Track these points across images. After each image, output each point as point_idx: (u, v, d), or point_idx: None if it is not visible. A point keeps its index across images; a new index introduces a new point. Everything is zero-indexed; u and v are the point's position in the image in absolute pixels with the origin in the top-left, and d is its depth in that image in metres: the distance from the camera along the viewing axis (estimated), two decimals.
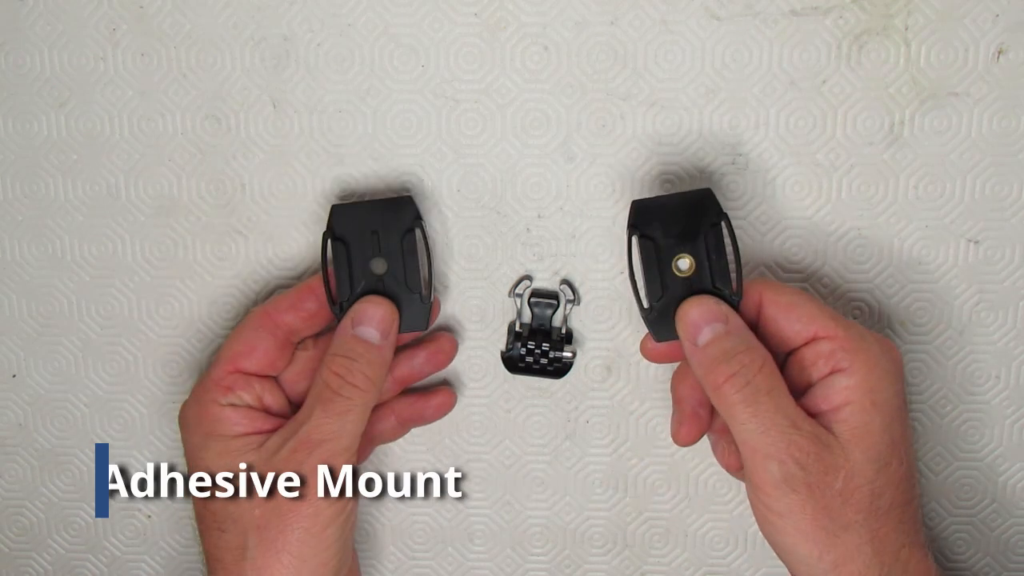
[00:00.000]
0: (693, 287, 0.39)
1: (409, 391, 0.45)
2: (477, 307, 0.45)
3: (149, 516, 0.48)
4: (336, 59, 0.43)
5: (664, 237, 0.39)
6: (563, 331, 0.44)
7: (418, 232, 0.41)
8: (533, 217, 0.44)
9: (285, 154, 0.44)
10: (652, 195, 0.42)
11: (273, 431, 0.40)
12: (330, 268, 0.41)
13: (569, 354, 0.44)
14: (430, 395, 0.45)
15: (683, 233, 0.39)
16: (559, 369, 0.44)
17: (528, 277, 0.44)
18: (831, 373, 0.37)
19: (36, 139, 0.44)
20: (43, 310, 0.46)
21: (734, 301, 0.38)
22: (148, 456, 0.47)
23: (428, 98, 0.43)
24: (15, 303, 0.46)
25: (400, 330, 0.41)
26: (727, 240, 0.39)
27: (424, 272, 0.42)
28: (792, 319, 0.38)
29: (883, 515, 0.36)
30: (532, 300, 0.44)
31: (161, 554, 0.49)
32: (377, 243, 0.41)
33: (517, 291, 0.44)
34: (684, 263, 0.39)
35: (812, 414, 0.37)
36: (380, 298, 0.40)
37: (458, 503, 0.47)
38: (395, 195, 0.43)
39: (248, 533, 0.38)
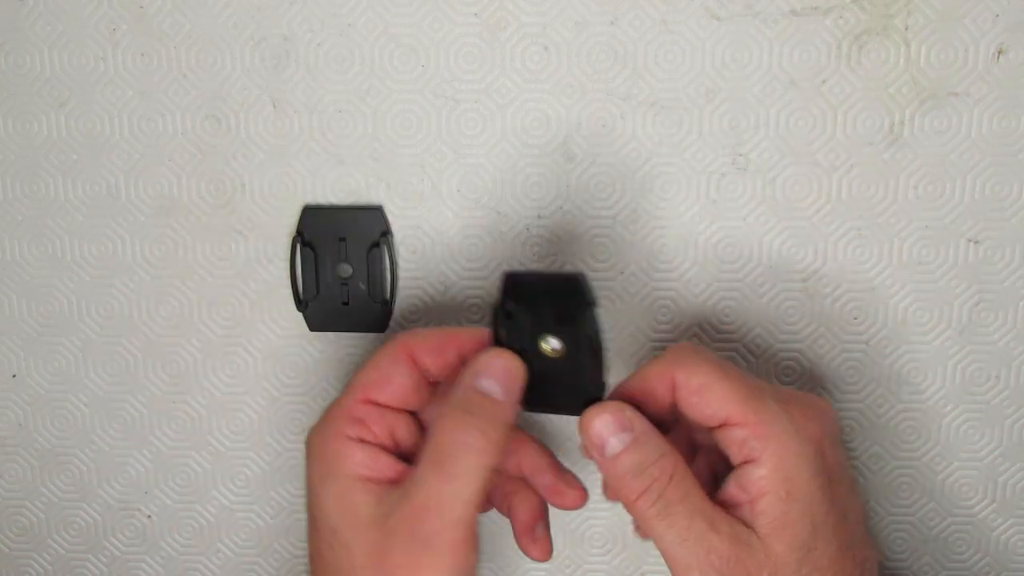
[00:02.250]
0: (563, 372, 0.37)
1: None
2: (477, 307, 0.45)
3: (149, 516, 0.48)
4: (336, 59, 0.43)
5: (532, 314, 0.37)
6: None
7: (384, 246, 0.43)
8: (533, 217, 0.44)
9: (285, 154, 0.44)
10: (525, 269, 0.42)
11: (395, 480, 0.37)
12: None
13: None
14: (565, 487, 0.41)
15: (554, 313, 0.37)
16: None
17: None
18: (744, 463, 0.36)
19: (36, 139, 0.44)
20: (43, 310, 0.46)
21: (602, 394, 0.37)
22: (148, 456, 0.47)
23: (428, 98, 0.43)
24: (15, 303, 0.46)
25: (358, 329, 0.41)
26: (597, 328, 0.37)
27: (388, 280, 0.44)
28: (703, 405, 0.36)
29: None
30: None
31: (161, 554, 0.49)
32: (344, 249, 0.43)
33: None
34: (554, 343, 0.37)
35: (733, 504, 0.36)
36: (505, 351, 0.37)
37: None
38: (365, 204, 0.44)
39: None
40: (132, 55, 0.43)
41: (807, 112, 0.42)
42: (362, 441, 0.37)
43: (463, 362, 0.38)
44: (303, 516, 0.48)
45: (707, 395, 0.35)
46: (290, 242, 0.44)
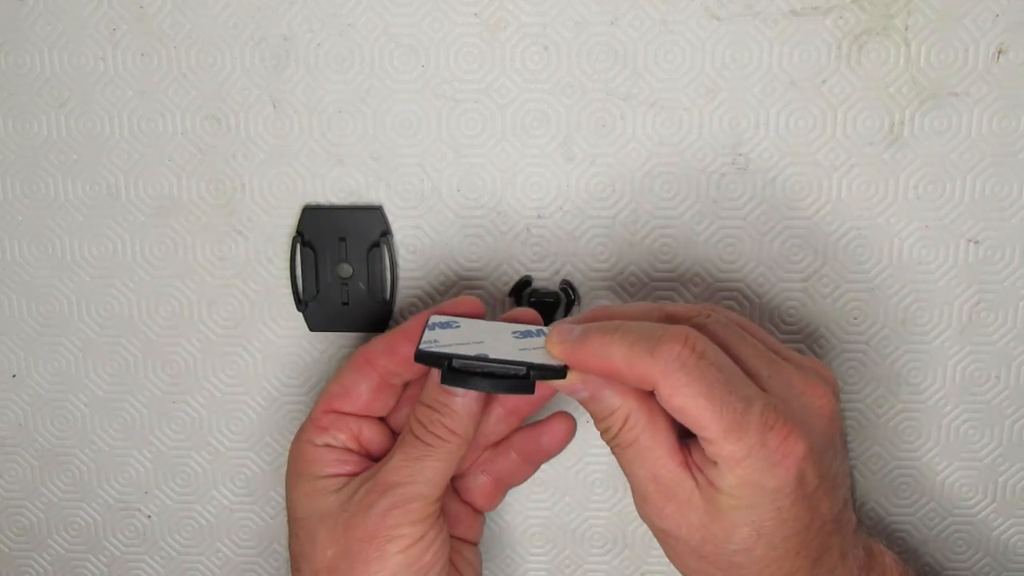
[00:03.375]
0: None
1: (525, 424, 0.43)
2: None
3: (149, 516, 0.48)
4: (336, 59, 0.43)
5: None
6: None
7: (384, 246, 0.43)
8: (533, 217, 0.44)
9: (285, 154, 0.44)
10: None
11: (362, 473, 0.39)
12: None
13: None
14: (545, 422, 0.42)
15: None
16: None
17: (528, 277, 0.44)
18: (713, 463, 0.36)
19: (36, 139, 0.44)
20: (43, 310, 0.46)
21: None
22: (148, 456, 0.47)
23: (428, 98, 0.43)
24: (15, 303, 0.46)
25: (358, 329, 0.41)
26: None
27: (388, 281, 0.44)
28: (679, 417, 0.35)
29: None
30: (532, 300, 0.44)
31: (161, 554, 0.49)
32: (344, 249, 0.43)
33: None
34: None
35: (699, 467, 0.36)
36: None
37: None
38: (365, 205, 0.44)
39: (319, 574, 0.38)
40: (132, 55, 0.43)
41: (807, 112, 0.42)
42: (328, 446, 0.40)
43: None
44: None
45: (685, 415, 0.35)
46: (290, 242, 0.44)
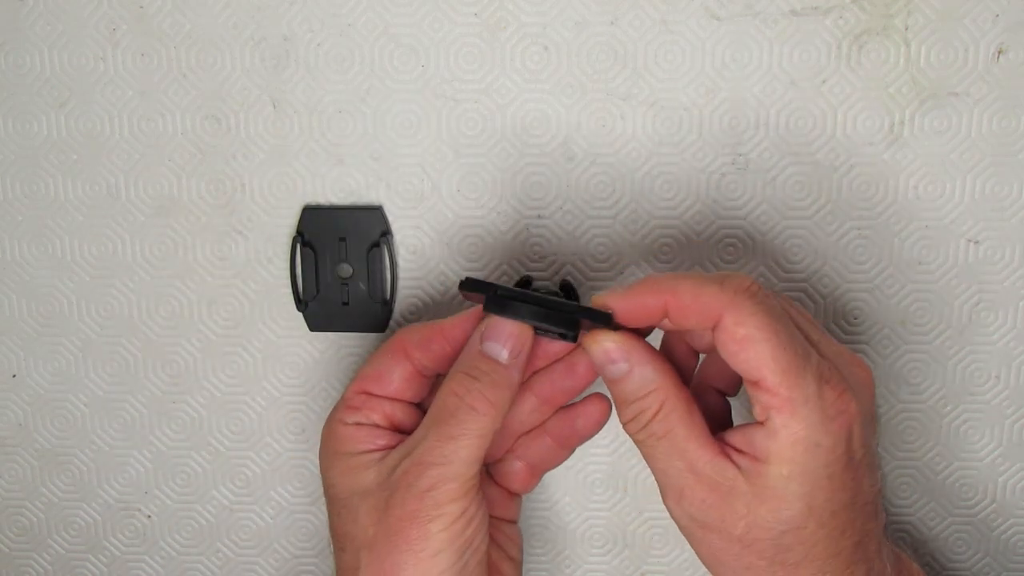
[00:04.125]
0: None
1: (561, 408, 0.42)
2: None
3: (149, 516, 0.48)
4: (336, 59, 0.43)
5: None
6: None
7: (384, 246, 0.43)
8: (533, 217, 0.44)
9: (285, 154, 0.44)
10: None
11: (396, 446, 0.39)
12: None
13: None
14: (580, 405, 0.41)
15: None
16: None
17: (528, 277, 0.44)
18: (762, 423, 0.35)
19: (36, 139, 0.44)
20: (43, 310, 0.46)
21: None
22: (148, 456, 0.47)
23: (428, 98, 0.43)
24: (15, 303, 0.46)
25: (358, 329, 0.41)
26: None
27: (388, 281, 0.44)
28: (741, 358, 0.35)
29: (791, 567, 0.35)
30: None
31: (161, 554, 0.49)
32: (344, 249, 0.43)
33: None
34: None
35: (740, 450, 0.36)
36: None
37: None
38: (365, 205, 0.44)
39: (361, 552, 0.37)
40: (132, 55, 0.43)
41: (807, 112, 0.42)
42: (359, 424, 0.39)
43: (454, 351, 0.39)
44: (303, 516, 0.48)
45: (748, 351, 0.34)
46: (290, 242, 0.44)
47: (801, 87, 0.42)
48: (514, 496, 0.43)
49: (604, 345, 0.36)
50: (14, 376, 0.47)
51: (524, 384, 0.40)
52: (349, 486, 0.38)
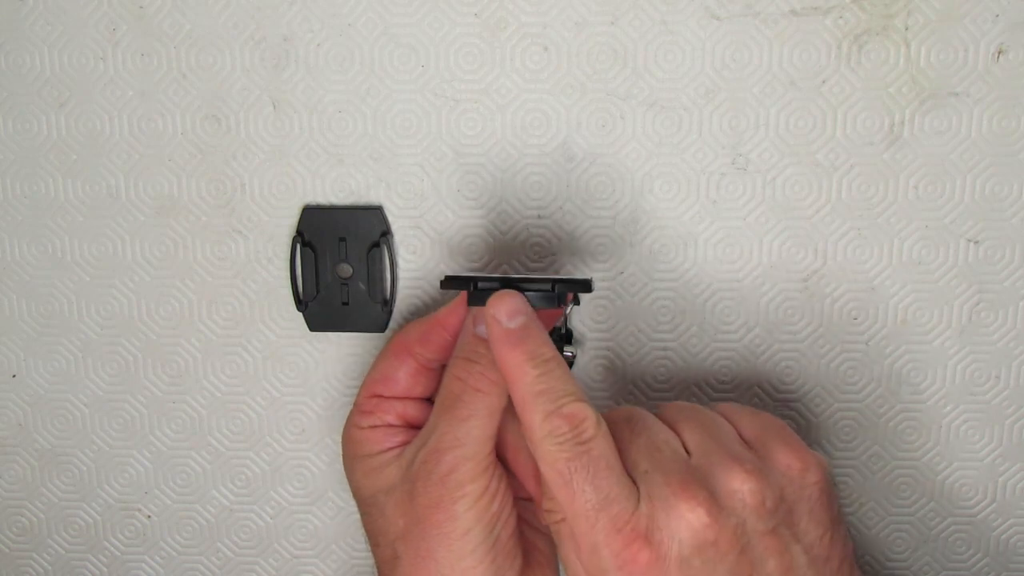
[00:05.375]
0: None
1: None
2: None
3: (149, 516, 0.48)
4: (336, 59, 0.43)
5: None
6: (563, 331, 0.44)
7: (384, 246, 0.43)
8: (533, 217, 0.44)
9: (285, 154, 0.44)
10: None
11: (411, 441, 0.40)
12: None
13: (569, 354, 0.44)
14: None
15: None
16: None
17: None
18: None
19: (36, 139, 0.44)
20: (43, 310, 0.46)
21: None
22: (148, 456, 0.47)
23: (428, 98, 0.43)
24: (15, 303, 0.46)
25: (358, 329, 0.42)
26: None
27: (388, 281, 0.44)
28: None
29: None
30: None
31: (161, 554, 0.49)
32: (344, 249, 0.43)
33: None
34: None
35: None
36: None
37: None
38: (365, 205, 0.44)
39: (396, 543, 0.38)
40: (132, 55, 0.43)
41: (807, 112, 0.42)
42: (374, 427, 0.40)
43: (453, 338, 0.40)
44: (303, 516, 0.48)
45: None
46: (290, 242, 0.44)
47: (801, 87, 0.42)
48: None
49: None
50: (14, 376, 0.47)
51: None
52: (373, 485, 0.40)
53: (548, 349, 0.36)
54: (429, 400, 0.42)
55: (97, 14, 0.43)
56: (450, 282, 0.38)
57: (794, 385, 0.45)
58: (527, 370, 0.35)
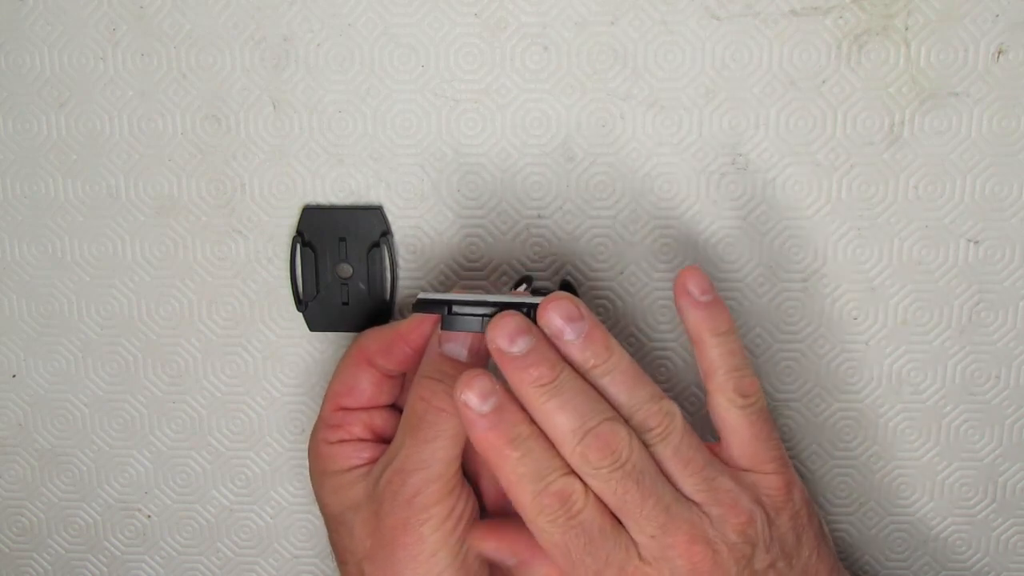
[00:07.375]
0: None
1: None
2: None
3: (149, 516, 0.48)
4: (336, 59, 0.43)
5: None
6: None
7: (384, 246, 0.43)
8: (533, 217, 0.44)
9: (285, 154, 0.44)
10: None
11: (379, 458, 0.39)
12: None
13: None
14: None
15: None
16: None
17: (528, 277, 0.44)
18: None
19: (36, 139, 0.44)
20: (43, 310, 0.46)
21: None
22: (148, 456, 0.47)
23: (428, 98, 0.43)
24: (15, 303, 0.46)
25: (358, 329, 0.41)
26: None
27: (388, 281, 0.44)
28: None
29: None
30: None
31: (161, 554, 0.49)
32: (344, 249, 0.43)
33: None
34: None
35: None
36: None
37: None
38: (365, 205, 0.44)
39: (363, 563, 0.38)
40: (132, 55, 0.43)
41: (807, 112, 0.42)
42: (342, 441, 0.40)
43: (416, 353, 0.40)
44: (303, 516, 0.48)
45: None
46: (290, 242, 0.44)
47: (801, 87, 0.42)
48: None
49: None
50: (14, 376, 0.47)
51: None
52: (341, 503, 0.39)
53: (524, 427, 0.35)
54: (395, 407, 0.42)
55: (97, 14, 0.43)
56: (423, 305, 0.37)
57: (794, 385, 0.45)
58: (508, 453, 0.35)
